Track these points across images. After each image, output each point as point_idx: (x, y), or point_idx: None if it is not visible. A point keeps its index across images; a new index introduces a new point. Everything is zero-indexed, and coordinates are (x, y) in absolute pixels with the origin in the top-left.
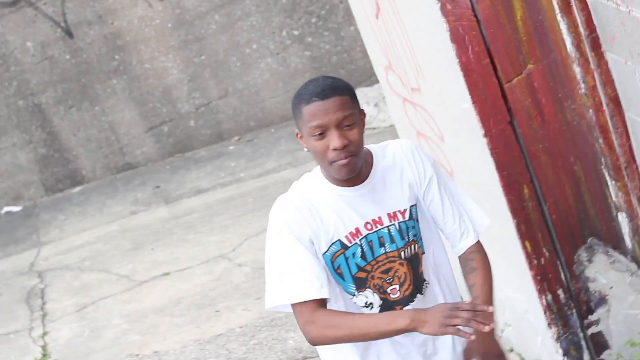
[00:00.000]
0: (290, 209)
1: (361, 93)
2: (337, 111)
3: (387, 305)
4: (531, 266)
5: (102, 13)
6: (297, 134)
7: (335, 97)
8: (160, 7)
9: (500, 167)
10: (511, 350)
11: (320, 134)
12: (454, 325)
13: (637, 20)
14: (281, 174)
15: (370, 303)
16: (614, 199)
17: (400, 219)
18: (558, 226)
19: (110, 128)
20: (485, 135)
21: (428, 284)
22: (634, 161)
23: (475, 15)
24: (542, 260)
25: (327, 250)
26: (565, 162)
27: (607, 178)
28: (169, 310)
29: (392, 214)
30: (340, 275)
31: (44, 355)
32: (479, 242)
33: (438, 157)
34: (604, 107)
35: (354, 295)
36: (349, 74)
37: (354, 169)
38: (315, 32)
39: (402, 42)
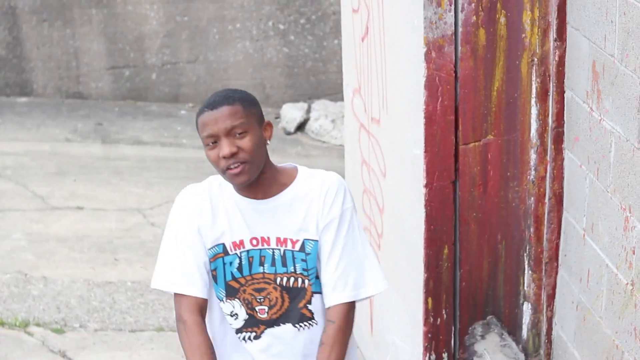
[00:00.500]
0: (191, 199)
1: (323, 105)
2: (226, 120)
3: (253, 322)
4: (426, 322)
5: None
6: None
7: (225, 106)
8: None
9: (430, 220)
10: None
11: (213, 143)
12: None
13: (604, 130)
14: None
15: (236, 314)
16: (525, 288)
17: (289, 247)
18: (465, 294)
19: (74, 53)
20: (426, 186)
21: (316, 324)
22: (556, 259)
23: (456, 72)
24: (438, 320)
25: (211, 248)
26: (491, 238)
27: (526, 266)
28: (70, 242)
29: (282, 239)
30: (214, 278)
31: None
32: (349, 304)
33: (374, 191)
34: (546, 199)
35: (222, 300)
36: (317, 83)
37: (248, 177)
38: (300, 32)
39: (377, 71)
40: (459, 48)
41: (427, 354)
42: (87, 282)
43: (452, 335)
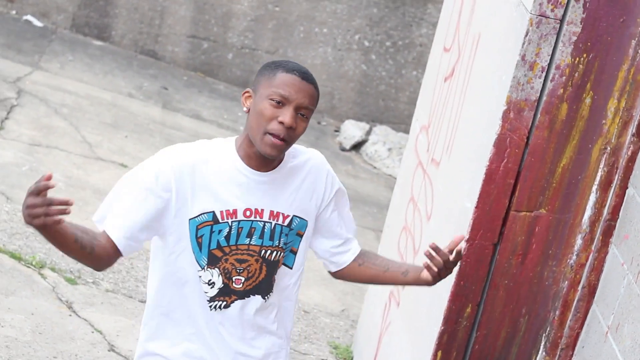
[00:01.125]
0: (171, 161)
1: (384, 131)
2: (306, 96)
3: (227, 291)
4: None
5: None
6: (246, 91)
7: (312, 85)
8: None
9: (461, 275)
10: None
11: (278, 102)
12: (36, 220)
13: None
14: None
15: (213, 282)
16: None
17: (280, 221)
18: (475, 357)
19: (160, 12)
20: (468, 241)
21: (272, 293)
22: (573, 349)
23: (528, 138)
24: None
25: (197, 216)
26: (516, 309)
27: (541, 347)
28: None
29: (275, 213)
30: (199, 245)
31: None
32: None
33: (414, 231)
34: (579, 287)
35: (202, 268)
36: (385, 108)
37: (278, 154)
38: (382, 54)
39: (451, 115)
40: (538, 116)
41: None
42: None
43: None
